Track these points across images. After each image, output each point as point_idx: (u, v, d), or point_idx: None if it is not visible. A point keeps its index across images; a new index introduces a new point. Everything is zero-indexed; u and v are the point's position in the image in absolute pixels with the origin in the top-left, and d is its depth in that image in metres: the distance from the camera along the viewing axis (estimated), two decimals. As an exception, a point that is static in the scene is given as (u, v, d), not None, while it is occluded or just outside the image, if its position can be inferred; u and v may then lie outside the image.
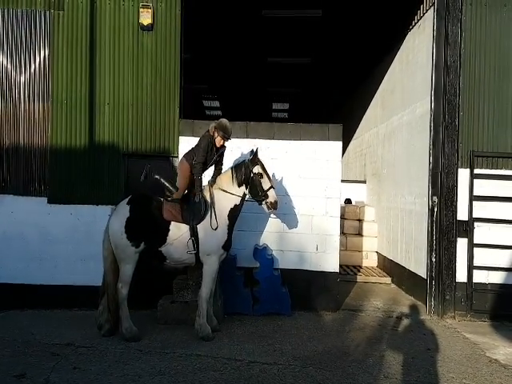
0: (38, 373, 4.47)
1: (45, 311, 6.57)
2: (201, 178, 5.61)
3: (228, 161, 6.82)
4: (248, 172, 5.59)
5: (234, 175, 5.64)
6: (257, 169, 5.60)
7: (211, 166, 5.85)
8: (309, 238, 6.87)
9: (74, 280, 6.74)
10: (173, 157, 6.93)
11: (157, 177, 5.66)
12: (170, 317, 6.04)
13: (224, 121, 5.73)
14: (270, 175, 5.75)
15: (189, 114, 7.49)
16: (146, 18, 6.90)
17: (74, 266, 6.77)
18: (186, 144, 6.66)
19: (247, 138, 6.94)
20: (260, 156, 5.70)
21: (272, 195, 5.58)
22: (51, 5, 6.94)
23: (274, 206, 5.58)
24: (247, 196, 5.72)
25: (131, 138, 6.94)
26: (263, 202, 5.62)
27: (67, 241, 6.78)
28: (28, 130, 6.94)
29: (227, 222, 5.62)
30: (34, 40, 6.96)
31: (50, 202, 6.87)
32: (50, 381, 4.31)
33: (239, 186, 5.64)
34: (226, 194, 5.61)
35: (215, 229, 5.48)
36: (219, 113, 21.60)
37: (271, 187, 5.60)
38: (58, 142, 6.91)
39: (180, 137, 6.92)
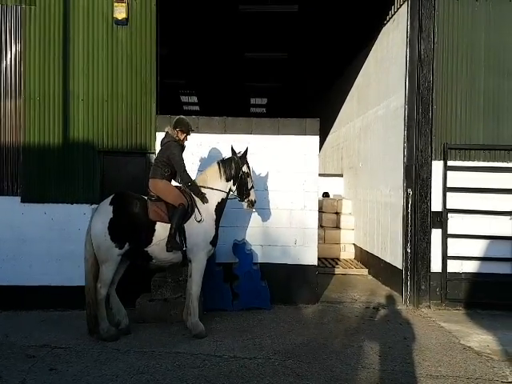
0: (14, 375, 4.38)
1: (19, 312, 6.44)
2: (192, 183, 5.57)
3: (207, 157, 6.84)
4: (238, 169, 5.73)
5: (223, 170, 5.69)
6: (245, 167, 5.82)
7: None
8: (288, 232, 6.92)
9: (49, 280, 6.62)
10: (150, 153, 6.85)
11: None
12: (149, 315, 5.99)
13: (180, 117, 5.73)
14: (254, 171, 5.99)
15: (166, 110, 7.41)
16: (120, 13, 6.78)
17: (49, 266, 6.63)
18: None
19: (225, 133, 6.91)
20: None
21: (253, 194, 5.89)
22: (22, -1, 6.76)
23: (253, 203, 5.92)
24: (232, 192, 5.83)
25: (106, 134, 6.82)
26: (245, 200, 5.86)
27: (42, 241, 6.63)
28: (-1, 128, 6.77)
29: (214, 216, 5.64)
30: (4, 35, 6.76)
31: (23, 201, 6.71)
32: (26, 383, 4.24)
33: (227, 181, 5.71)
34: (213, 189, 5.63)
35: (199, 221, 5.45)
36: (197, 108, 21.48)
37: (252, 186, 5.92)
38: (30, 140, 6.75)
39: (157, 133, 6.84)
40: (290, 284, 6.89)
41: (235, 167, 5.72)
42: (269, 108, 21.86)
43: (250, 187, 5.84)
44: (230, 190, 5.81)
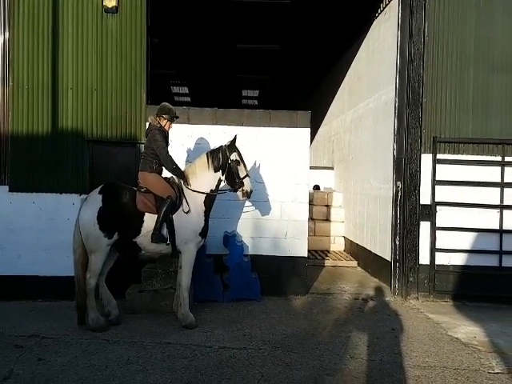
0: (1, 365, 4.35)
1: (8, 303, 6.38)
2: (177, 168, 5.52)
3: (197, 149, 6.81)
4: (225, 158, 5.56)
5: (210, 160, 5.57)
6: (234, 156, 5.58)
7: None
8: (278, 224, 6.93)
9: (37, 270, 6.57)
10: (140, 143, 6.79)
11: None
12: (139, 306, 5.98)
13: (162, 104, 5.67)
14: (246, 163, 5.73)
15: (157, 100, 7.33)
16: (110, 1, 6.69)
17: (38, 256, 6.58)
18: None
19: (216, 124, 6.88)
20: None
21: (247, 184, 5.62)
22: (10, -14, 6.62)
23: (248, 194, 5.65)
24: (223, 183, 5.70)
25: (96, 123, 6.75)
26: (238, 190, 5.64)
27: (30, 230, 6.58)
28: (-13, 117, 6.66)
29: (203, 208, 5.58)
30: (-8, 23, 6.65)
31: (11, 190, 6.63)
32: (14, 373, 4.21)
33: (215, 171, 5.59)
34: (202, 180, 5.55)
35: (187, 212, 5.43)
36: (188, 99, 21.32)
37: (247, 175, 5.64)
38: (19, 129, 6.66)
39: (147, 123, 6.76)
40: (281, 276, 6.92)
41: (222, 157, 5.55)
42: (260, 100, 21.78)
43: (242, 176, 5.58)
44: (220, 179, 5.66)
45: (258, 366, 4.43)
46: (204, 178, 5.58)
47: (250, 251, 6.89)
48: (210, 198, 5.65)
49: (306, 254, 7.01)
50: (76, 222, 5.37)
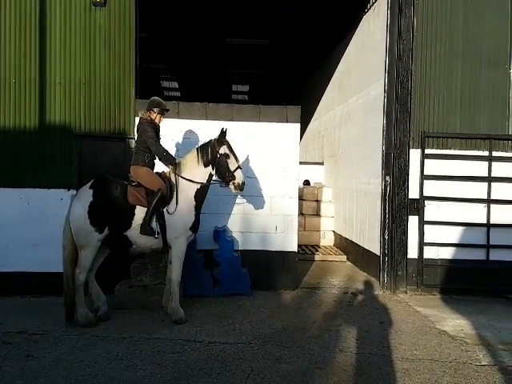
0: (-11, 362, 4.33)
1: (-5, 299, 6.33)
2: (167, 154, 5.50)
3: (187, 143, 6.77)
4: (214, 152, 5.54)
5: (200, 155, 5.56)
6: (223, 149, 5.54)
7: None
8: (268, 219, 6.94)
9: (25, 266, 6.49)
10: (128, 138, 6.75)
11: None
12: (128, 302, 5.94)
13: (153, 98, 5.69)
14: (237, 156, 5.68)
15: (146, 95, 7.28)
16: (98, -6, 6.60)
17: (26, 252, 6.50)
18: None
19: (206, 119, 6.86)
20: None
21: (239, 176, 5.57)
22: (-4, -22, 6.50)
23: (240, 187, 5.60)
24: (214, 177, 5.68)
25: (84, 118, 6.69)
26: (230, 183, 5.59)
27: (18, 226, 6.49)
28: (-27, 111, 6.55)
29: (194, 203, 5.56)
30: (-22, 17, 6.53)
31: (-2, 185, 6.56)
32: (2, 369, 4.18)
33: (205, 166, 5.57)
34: (193, 176, 5.52)
35: (176, 207, 5.41)
36: (178, 94, 21.20)
37: (238, 167, 5.58)
38: (6, 124, 6.56)
39: (136, 117, 6.73)
40: (271, 270, 6.93)
41: (211, 150, 5.54)
42: (251, 95, 21.73)
43: (233, 169, 5.52)
44: (211, 174, 5.63)
45: (248, 361, 4.45)
46: (195, 173, 5.57)
47: (240, 246, 6.89)
48: (202, 193, 5.63)
49: (295, 249, 7.04)
50: (66, 218, 5.33)
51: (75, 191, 6.42)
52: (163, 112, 5.67)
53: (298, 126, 6.97)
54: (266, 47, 13.42)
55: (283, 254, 6.96)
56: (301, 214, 10.16)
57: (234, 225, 6.92)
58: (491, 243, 7.03)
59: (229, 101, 20.15)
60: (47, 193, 6.58)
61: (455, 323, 5.74)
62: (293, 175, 6.96)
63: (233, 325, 5.45)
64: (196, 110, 6.86)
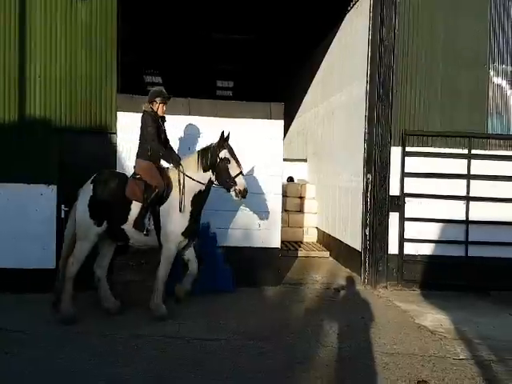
0: (-34, 360, 4.25)
1: (-26, 296, 6.20)
2: (164, 151, 5.44)
3: (170, 139, 6.72)
4: (214, 157, 5.28)
5: (200, 160, 5.35)
6: (224, 153, 5.26)
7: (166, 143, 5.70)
8: (252, 216, 6.94)
9: (4, 262, 6.35)
10: (110, 133, 6.67)
11: None
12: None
13: (153, 89, 5.70)
14: (240, 160, 5.42)
15: (129, 90, 7.24)
16: (79, -14, 6.50)
17: (5, 248, 6.37)
18: (126, 120, 6.48)
19: (190, 115, 6.82)
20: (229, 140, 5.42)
21: (241, 182, 5.25)
22: (-27, -31, 6.34)
23: (243, 194, 5.27)
24: (215, 182, 5.45)
25: (65, 113, 6.57)
26: (231, 190, 5.30)
27: (-3, 222, 6.39)
28: (-50, 105, 6.39)
29: (189, 208, 5.36)
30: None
31: (-24, 181, 6.42)
32: (-20, 367, 4.12)
33: (204, 171, 5.33)
34: (191, 179, 5.35)
35: (169, 209, 5.36)
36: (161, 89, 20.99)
37: (240, 173, 5.29)
38: (-16, 118, 6.43)
39: (118, 112, 6.67)
40: (254, 267, 6.93)
41: (211, 155, 5.27)
42: (235, 91, 21.66)
43: (233, 175, 5.22)
44: (211, 180, 5.37)
45: (231, 356, 4.46)
46: (192, 178, 5.37)
47: (224, 242, 6.88)
48: (199, 199, 5.43)
49: (279, 245, 7.07)
50: (71, 212, 5.45)
51: (55, 186, 6.38)
52: (165, 100, 5.56)
53: (281, 122, 6.98)
54: (252, 43, 13.38)
55: (266, 251, 6.98)
56: (284, 210, 10.19)
57: (217, 221, 6.87)
58: (470, 239, 7.16)
59: (213, 97, 20.08)
60: (27, 188, 6.44)
61: (434, 318, 5.84)
62: (276, 172, 6.98)
63: (216, 321, 5.45)
64: (179, 106, 6.81)
